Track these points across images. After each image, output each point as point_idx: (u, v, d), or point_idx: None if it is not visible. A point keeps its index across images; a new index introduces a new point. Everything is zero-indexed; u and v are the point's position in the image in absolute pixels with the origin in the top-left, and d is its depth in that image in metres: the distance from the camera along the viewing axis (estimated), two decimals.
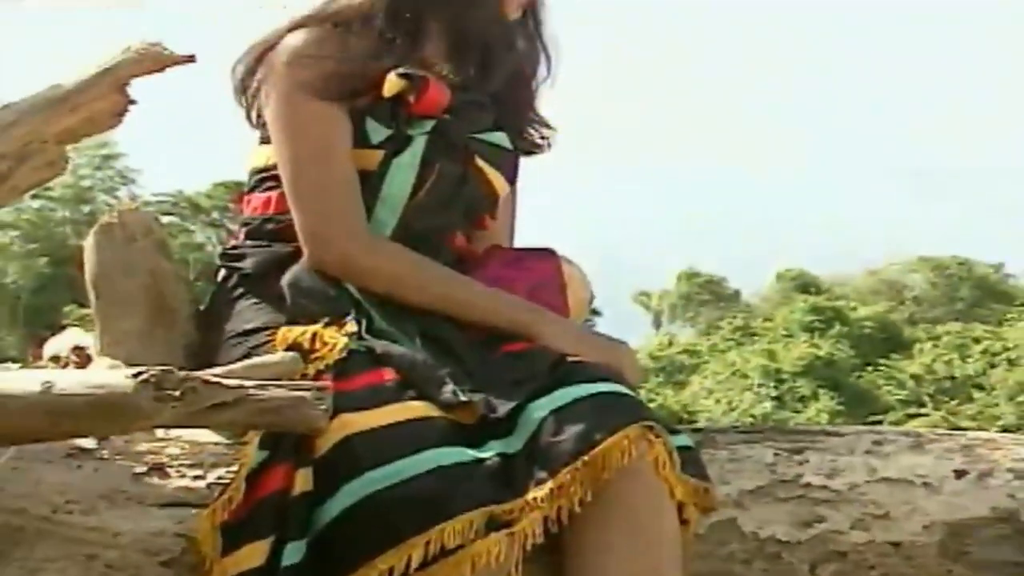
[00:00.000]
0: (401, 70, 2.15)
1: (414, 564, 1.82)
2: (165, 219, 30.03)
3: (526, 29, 2.32)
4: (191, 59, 1.77)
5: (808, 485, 2.09)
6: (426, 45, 2.22)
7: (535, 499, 1.86)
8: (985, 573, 2.07)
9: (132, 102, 1.75)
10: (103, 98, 1.66)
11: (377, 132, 2.16)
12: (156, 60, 1.75)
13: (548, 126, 2.37)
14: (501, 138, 2.28)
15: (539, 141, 2.36)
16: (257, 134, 2.25)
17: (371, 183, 2.16)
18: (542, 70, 2.35)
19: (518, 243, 2.40)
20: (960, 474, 2.11)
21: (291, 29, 2.18)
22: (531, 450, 1.90)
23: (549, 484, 1.86)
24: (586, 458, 1.87)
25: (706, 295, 40.22)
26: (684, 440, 2.00)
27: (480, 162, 2.24)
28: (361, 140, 2.16)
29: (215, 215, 33.90)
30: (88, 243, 2.18)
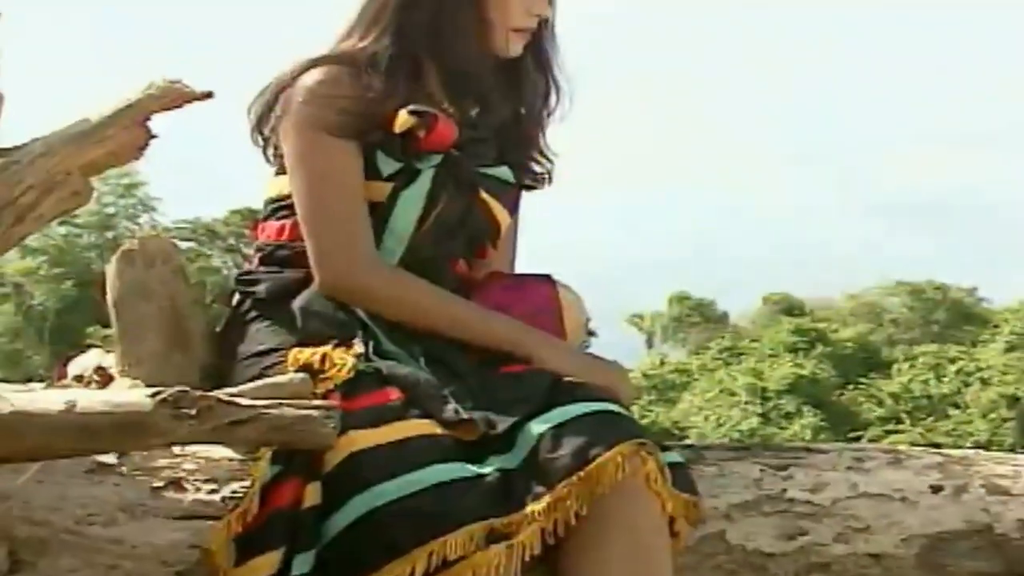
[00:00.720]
0: (412, 107, 2.15)
1: (418, 574, 1.82)
2: (183, 244, 30.09)
3: (533, 63, 2.30)
4: (209, 95, 1.77)
5: (792, 500, 2.09)
6: (429, 83, 2.23)
7: (533, 512, 1.86)
8: None
9: (153, 136, 1.75)
10: (126, 132, 1.66)
11: (387, 165, 2.16)
12: (177, 96, 1.75)
13: (550, 160, 2.36)
14: (505, 172, 2.28)
15: (540, 175, 2.35)
16: (270, 165, 2.26)
17: (380, 213, 2.16)
18: (551, 104, 2.33)
19: (519, 268, 2.40)
20: (936, 489, 2.12)
21: (306, 68, 2.18)
22: (529, 466, 1.90)
23: (547, 498, 1.86)
24: (582, 473, 1.87)
25: (696, 317, 40.18)
26: (675, 456, 2.01)
27: (484, 195, 2.24)
28: (372, 173, 2.16)
29: (231, 240, 33.91)
30: (110, 268, 2.18)
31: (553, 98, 2.33)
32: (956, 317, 37.53)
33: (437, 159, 2.18)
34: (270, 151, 2.23)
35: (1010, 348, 29.93)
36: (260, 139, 2.23)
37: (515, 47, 2.26)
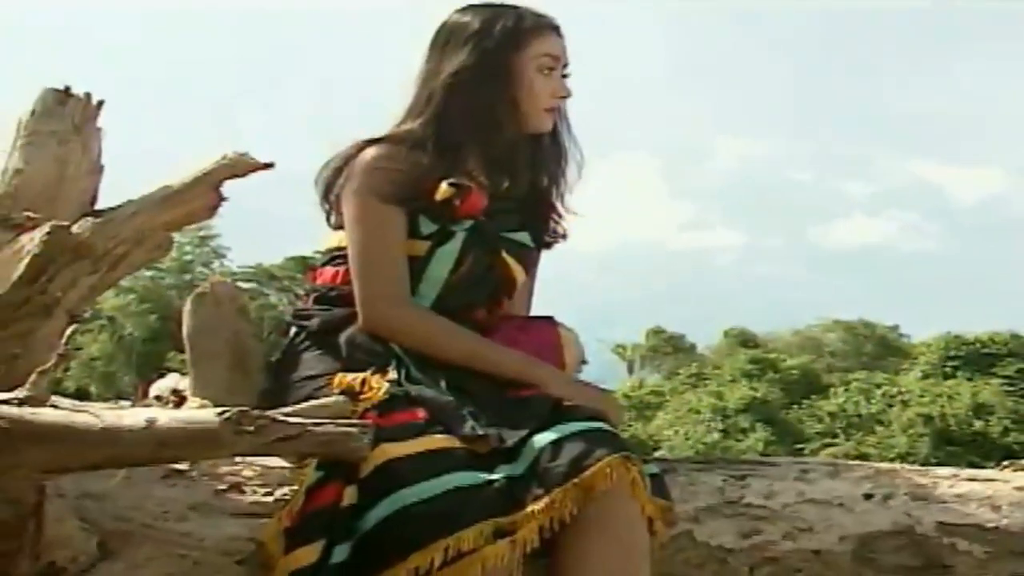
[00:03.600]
0: (451, 180, 2.15)
1: (436, 564, 1.80)
2: (246, 286, 30.13)
3: (550, 138, 2.29)
4: (270, 166, 1.77)
5: (749, 504, 2.08)
6: (468, 160, 2.21)
7: (533, 512, 1.84)
8: (886, 574, 2.06)
9: (224, 199, 1.75)
10: (202, 196, 1.66)
11: (427, 227, 2.16)
12: (244, 166, 1.75)
13: (563, 217, 2.33)
14: (525, 237, 2.28)
15: (557, 234, 2.34)
16: (323, 220, 2.25)
17: (419, 266, 2.16)
18: (567, 171, 2.31)
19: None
20: (868, 496, 2.11)
21: (366, 146, 2.18)
22: (532, 473, 1.88)
23: (545, 500, 1.85)
24: (577, 480, 1.86)
25: (668, 348, 40.13)
26: (653, 468, 1.99)
27: (505, 255, 2.23)
28: (413, 232, 2.15)
29: (286, 282, 33.93)
30: (186, 307, 2.19)
31: (567, 165, 2.31)
32: (882, 350, 37.50)
33: (469, 224, 2.18)
34: (333, 214, 2.22)
35: (926, 376, 29.90)
36: (326, 205, 2.23)
37: (547, 124, 2.26)
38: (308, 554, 1.84)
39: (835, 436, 27.57)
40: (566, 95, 2.26)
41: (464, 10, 2.25)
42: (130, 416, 1.55)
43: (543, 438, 1.91)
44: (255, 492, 1.93)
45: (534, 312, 2.36)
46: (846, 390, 29.81)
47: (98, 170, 2.01)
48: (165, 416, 1.55)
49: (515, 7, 2.25)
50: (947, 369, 29.89)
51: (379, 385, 2.00)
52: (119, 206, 1.72)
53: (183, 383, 2.17)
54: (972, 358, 29.77)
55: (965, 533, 2.07)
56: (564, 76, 2.26)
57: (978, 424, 26.70)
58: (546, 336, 2.22)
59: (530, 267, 2.32)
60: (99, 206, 1.90)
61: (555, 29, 2.25)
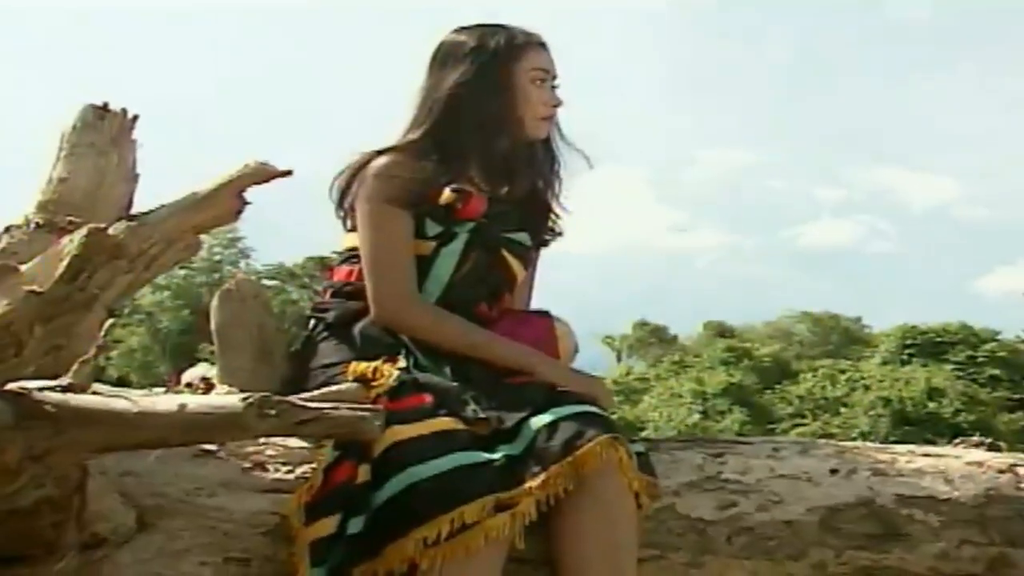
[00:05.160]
0: (453, 186, 2.14)
1: (443, 535, 1.79)
2: (269, 283, 30.10)
3: (542, 145, 2.27)
4: (288, 173, 1.76)
5: (726, 480, 2.07)
6: (469, 167, 2.20)
7: (531, 487, 1.84)
8: (850, 541, 2.05)
9: (247, 203, 1.74)
10: (226, 201, 1.65)
11: (432, 228, 2.15)
12: (265, 174, 1.74)
13: (558, 217, 2.31)
14: (524, 237, 2.26)
15: (553, 232, 2.32)
16: (338, 223, 2.24)
17: (425, 264, 2.15)
18: (559, 174, 2.29)
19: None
20: (834, 472, 2.10)
21: (376, 155, 2.17)
22: (529, 452, 1.87)
23: (542, 476, 1.84)
24: (570, 458, 1.85)
25: (653, 339, 40.08)
26: (639, 447, 1.98)
27: (505, 254, 2.22)
28: (420, 233, 2.14)
29: (305, 280, 33.87)
30: (214, 303, 2.18)
31: (560, 169, 2.29)
32: (846, 339, 37.47)
33: (471, 225, 2.17)
34: (348, 219, 2.21)
35: (885, 362, 29.84)
36: (341, 211, 2.22)
37: (542, 131, 2.25)
38: (326, 526, 1.84)
39: (804, 417, 27.53)
40: (558, 104, 2.25)
41: (459, 30, 2.25)
42: (163, 401, 1.55)
43: (539, 420, 1.90)
44: (277, 470, 1.92)
45: (533, 306, 2.35)
46: (814, 376, 29.76)
47: (133, 178, 2.01)
48: (195, 401, 1.55)
49: (505, 26, 2.24)
50: (904, 357, 29.85)
51: (389, 373, 1.99)
52: (152, 211, 1.71)
53: (212, 371, 2.17)
54: (926, 347, 29.75)
55: (920, 504, 2.07)
56: (554, 87, 2.25)
57: (932, 406, 26.69)
58: (542, 329, 2.21)
59: (528, 264, 2.30)
60: (134, 211, 1.89)
61: (543, 44, 2.25)
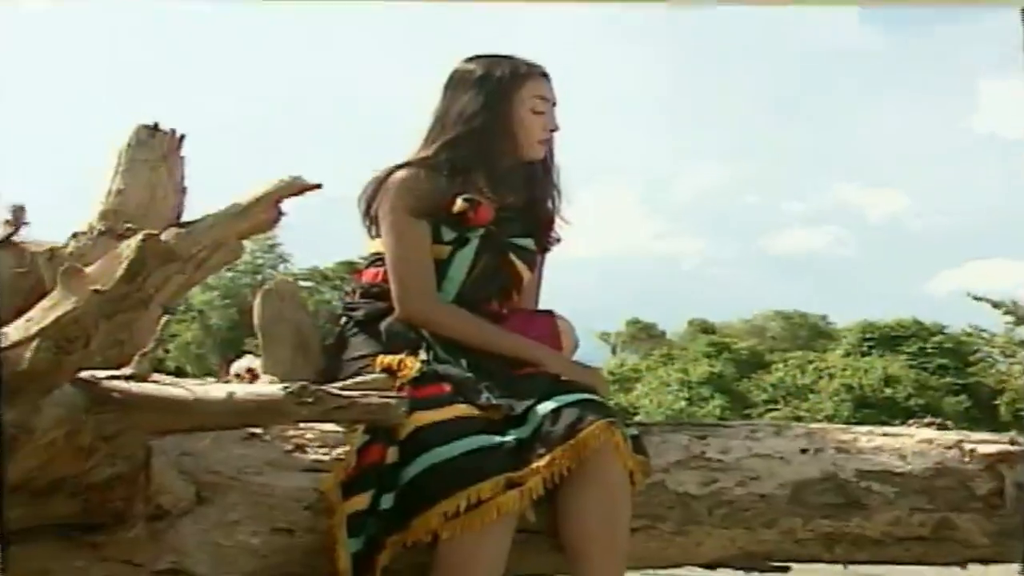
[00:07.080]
0: (464, 196, 2.12)
1: (462, 509, 1.79)
2: (305, 284, 30.11)
3: (540, 164, 2.24)
4: (319, 186, 1.75)
5: (709, 459, 2.06)
6: (478, 180, 2.18)
7: (538, 467, 1.83)
8: (816, 511, 2.05)
9: (283, 214, 1.73)
10: (265, 211, 1.63)
11: (447, 234, 2.13)
12: (298, 187, 1.72)
13: (556, 226, 2.29)
14: (528, 242, 2.24)
15: (553, 240, 2.28)
16: (364, 231, 2.22)
17: (442, 267, 2.13)
18: (556, 191, 2.26)
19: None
20: (804, 451, 2.09)
21: (396, 170, 2.15)
22: (536, 435, 1.87)
23: (547, 457, 1.84)
24: (572, 441, 1.85)
25: (643, 335, 40.00)
26: (633, 431, 1.97)
27: (512, 257, 2.20)
28: (437, 239, 2.13)
29: (337, 282, 33.87)
30: (256, 302, 2.17)
31: (558, 183, 2.26)
32: (813, 334, 37.38)
33: (481, 231, 2.15)
34: (373, 227, 2.19)
35: (847, 354, 29.77)
36: (367, 219, 2.20)
37: (539, 153, 2.22)
38: (361, 501, 1.83)
39: (776, 403, 27.50)
40: (555, 129, 2.23)
41: (470, 60, 2.23)
42: (215, 390, 1.55)
43: (545, 407, 1.89)
44: (316, 451, 1.91)
45: (540, 307, 2.33)
46: (785, 366, 29.71)
47: (181, 190, 2.01)
48: (242, 390, 1.54)
49: (511, 57, 2.23)
50: (864, 349, 29.80)
51: (412, 364, 1.98)
52: (199, 219, 1.70)
53: (256, 363, 2.15)
54: (883, 340, 29.69)
55: (878, 477, 2.07)
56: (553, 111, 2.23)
57: (888, 391, 26.68)
58: (547, 326, 2.20)
59: (533, 267, 2.28)
60: (184, 219, 1.88)
61: (544, 75, 2.23)
